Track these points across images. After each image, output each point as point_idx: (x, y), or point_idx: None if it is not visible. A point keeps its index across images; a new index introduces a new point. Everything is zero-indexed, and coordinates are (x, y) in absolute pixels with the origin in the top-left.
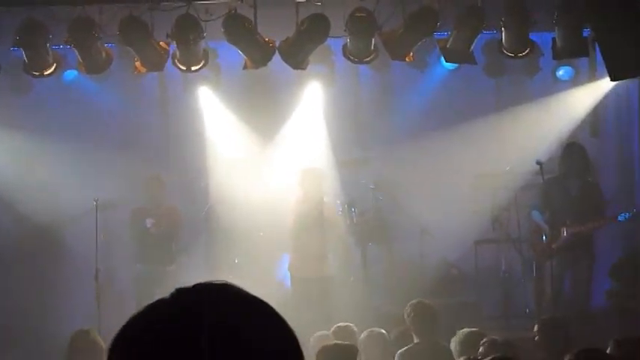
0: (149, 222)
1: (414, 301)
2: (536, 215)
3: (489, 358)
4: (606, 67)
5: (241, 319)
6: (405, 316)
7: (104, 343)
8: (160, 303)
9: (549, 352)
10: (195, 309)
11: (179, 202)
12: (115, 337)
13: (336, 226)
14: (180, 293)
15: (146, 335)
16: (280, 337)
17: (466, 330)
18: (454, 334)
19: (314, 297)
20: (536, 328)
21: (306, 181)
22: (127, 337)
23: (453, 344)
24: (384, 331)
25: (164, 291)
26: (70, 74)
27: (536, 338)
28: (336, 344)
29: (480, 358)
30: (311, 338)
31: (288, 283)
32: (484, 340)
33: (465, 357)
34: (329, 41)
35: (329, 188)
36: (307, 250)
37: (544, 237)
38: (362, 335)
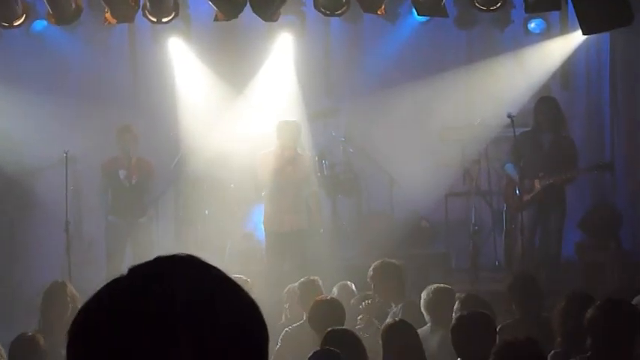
0: (122, 173)
1: (377, 262)
2: (509, 168)
3: (461, 313)
4: (579, 21)
5: (212, 294)
6: (368, 279)
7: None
8: (122, 281)
9: (522, 308)
10: (165, 284)
11: (149, 153)
12: (74, 323)
13: (310, 179)
14: (144, 268)
15: (112, 317)
16: (248, 312)
17: (436, 286)
18: (423, 286)
19: (288, 250)
20: (508, 283)
21: (282, 134)
22: (89, 322)
23: (424, 299)
24: (352, 287)
25: (135, 243)
26: (39, 24)
27: (508, 293)
28: (331, 299)
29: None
30: (283, 292)
31: (261, 235)
32: (460, 294)
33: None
34: None
35: (304, 141)
36: (282, 204)
37: (517, 190)
38: (334, 289)
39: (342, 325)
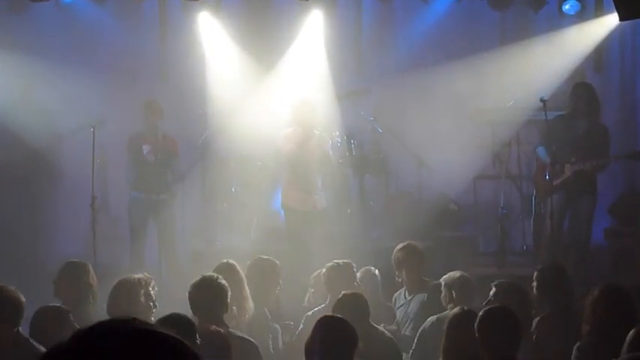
0: (146, 149)
1: (401, 245)
2: (541, 151)
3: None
4: (615, 6)
5: None
6: (392, 261)
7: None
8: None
9: (549, 298)
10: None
11: (176, 129)
12: None
13: (328, 159)
14: (80, 340)
15: None
16: None
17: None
18: (451, 269)
19: (310, 229)
20: (535, 275)
21: (297, 114)
22: None
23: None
24: (376, 271)
25: (157, 219)
26: None
27: (534, 285)
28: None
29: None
30: (311, 277)
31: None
32: (497, 281)
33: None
34: None
35: (321, 120)
36: (302, 182)
37: (547, 174)
38: (357, 273)
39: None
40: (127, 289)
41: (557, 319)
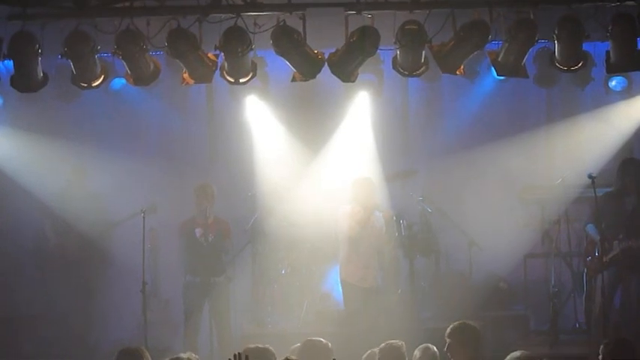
0: (198, 232)
1: (455, 323)
2: (590, 229)
3: None
4: None
5: None
6: (446, 337)
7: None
8: None
9: None
10: None
11: (227, 212)
12: None
13: (385, 238)
14: None
15: None
16: None
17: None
18: (502, 348)
19: (367, 305)
20: (601, 349)
21: (359, 192)
22: None
23: None
24: (435, 349)
25: (212, 302)
26: (118, 82)
27: (599, 358)
28: None
29: None
30: (364, 356)
31: (338, 296)
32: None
33: None
34: (378, 50)
35: (381, 199)
36: (362, 259)
37: (597, 251)
38: (416, 352)
39: None
40: None
41: None
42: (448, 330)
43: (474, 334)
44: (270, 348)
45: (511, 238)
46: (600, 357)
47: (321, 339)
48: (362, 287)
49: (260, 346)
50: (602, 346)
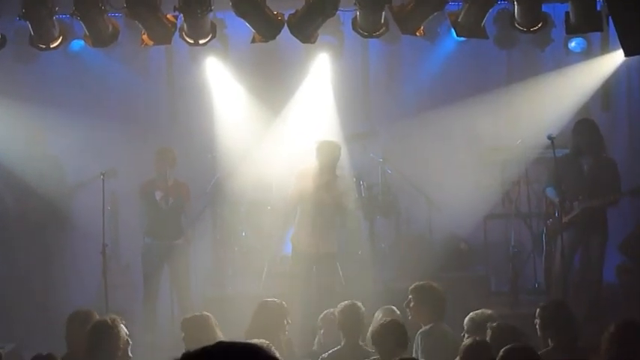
0: (158, 195)
1: (420, 282)
2: (550, 191)
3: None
4: (620, 42)
5: None
6: (409, 293)
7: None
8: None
9: (555, 337)
10: None
11: (187, 175)
12: None
13: (347, 201)
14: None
15: None
16: None
17: (478, 312)
18: (463, 309)
19: (317, 272)
20: (537, 312)
21: (322, 155)
22: None
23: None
24: (397, 310)
25: (171, 265)
26: (77, 44)
27: (537, 322)
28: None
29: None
30: (319, 318)
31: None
32: (492, 323)
33: (471, 337)
34: (338, 12)
35: (342, 162)
36: (315, 225)
37: (557, 212)
38: (377, 313)
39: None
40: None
41: (560, 355)
42: (412, 286)
43: (437, 294)
44: (209, 314)
45: (471, 199)
46: (537, 320)
47: (275, 299)
48: (310, 253)
49: (197, 314)
50: (537, 310)
